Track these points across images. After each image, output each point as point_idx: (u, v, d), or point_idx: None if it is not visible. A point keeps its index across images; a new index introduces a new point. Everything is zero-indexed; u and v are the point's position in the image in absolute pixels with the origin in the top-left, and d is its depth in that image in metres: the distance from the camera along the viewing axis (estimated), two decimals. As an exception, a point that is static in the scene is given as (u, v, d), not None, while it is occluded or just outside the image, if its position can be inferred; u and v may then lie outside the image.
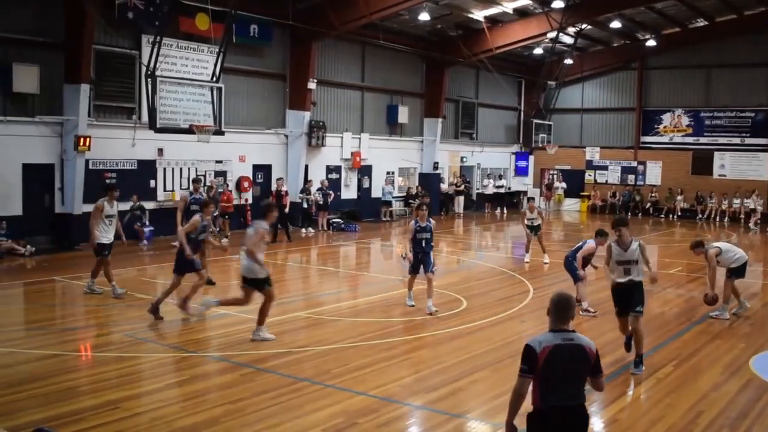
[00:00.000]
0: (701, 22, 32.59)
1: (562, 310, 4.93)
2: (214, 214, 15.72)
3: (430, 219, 12.70)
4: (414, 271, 12.60)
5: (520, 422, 4.95)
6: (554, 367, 4.76)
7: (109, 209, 13.03)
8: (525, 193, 37.90)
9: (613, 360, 9.91)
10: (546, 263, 18.16)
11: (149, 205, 21.43)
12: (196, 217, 11.98)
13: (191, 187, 15.32)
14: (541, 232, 18.84)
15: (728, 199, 33.00)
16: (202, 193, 15.78)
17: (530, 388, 4.84)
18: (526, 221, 18.68)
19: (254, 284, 10.29)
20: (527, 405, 4.92)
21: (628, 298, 9.52)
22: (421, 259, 12.46)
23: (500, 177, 36.94)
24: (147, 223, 20.80)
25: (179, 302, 11.63)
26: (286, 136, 25.63)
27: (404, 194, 30.63)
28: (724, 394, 8.54)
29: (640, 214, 34.64)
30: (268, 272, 10.42)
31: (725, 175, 34.04)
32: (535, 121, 34.73)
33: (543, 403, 4.81)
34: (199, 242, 12.05)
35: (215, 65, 19.22)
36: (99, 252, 13.02)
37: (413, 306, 12.61)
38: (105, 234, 12.99)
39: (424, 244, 12.43)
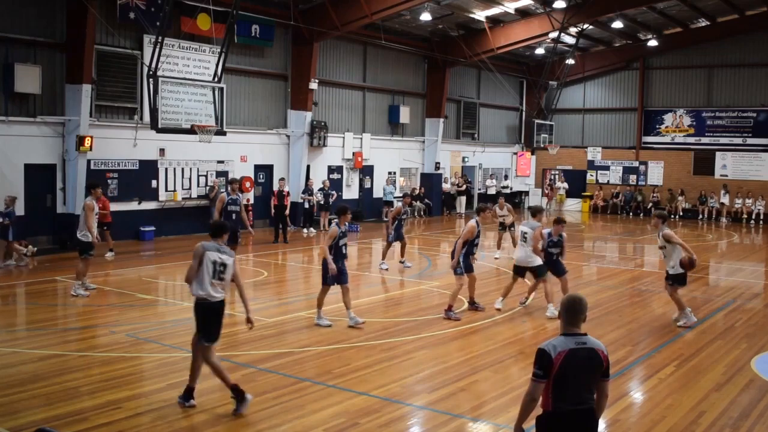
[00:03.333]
0: (703, 22, 32.58)
1: (574, 313, 4.83)
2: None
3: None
4: (331, 282, 11.25)
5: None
6: (568, 372, 4.68)
7: (96, 207, 13.48)
8: (527, 193, 37.95)
9: (614, 360, 9.89)
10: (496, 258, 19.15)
11: (151, 205, 21.45)
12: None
13: (228, 188, 15.31)
14: (513, 229, 19.56)
15: (729, 199, 33.00)
16: (239, 194, 15.70)
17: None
18: (498, 219, 19.40)
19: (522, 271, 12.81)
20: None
21: None
22: (340, 268, 11.20)
23: (505, 177, 36.90)
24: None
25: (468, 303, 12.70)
26: (288, 137, 25.64)
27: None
28: (726, 395, 8.53)
29: (641, 215, 34.62)
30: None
31: (727, 176, 34.01)
32: (537, 121, 34.74)
33: (554, 407, 4.75)
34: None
35: (217, 65, 19.23)
36: (88, 251, 13.16)
37: (331, 326, 11.32)
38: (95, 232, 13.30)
39: (344, 251, 11.42)
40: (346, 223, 11.37)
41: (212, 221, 7.77)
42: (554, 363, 4.67)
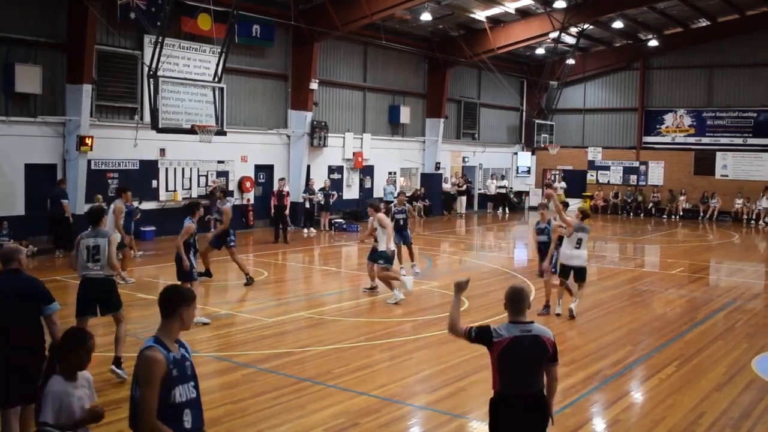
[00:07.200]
0: (703, 22, 32.56)
1: (517, 302, 5.09)
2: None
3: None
4: (197, 277, 11.45)
5: (485, 413, 5.06)
6: (510, 358, 4.95)
7: (125, 209, 14.78)
8: (527, 193, 37.92)
9: (615, 360, 9.91)
10: None
11: (150, 205, 21.44)
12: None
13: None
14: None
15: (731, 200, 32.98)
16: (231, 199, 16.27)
17: (491, 375, 5.06)
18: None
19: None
20: (489, 393, 5.06)
21: None
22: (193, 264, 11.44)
23: (502, 177, 36.95)
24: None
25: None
26: (288, 137, 25.64)
27: (409, 195, 30.59)
28: (727, 395, 8.53)
29: (642, 215, 34.61)
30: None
31: (727, 176, 34.00)
32: (537, 121, 34.73)
33: (503, 391, 5.01)
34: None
35: (217, 65, 19.22)
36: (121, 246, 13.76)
37: (209, 323, 11.21)
38: None
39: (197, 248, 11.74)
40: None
41: (89, 208, 9.18)
42: (496, 347, 4.95)
